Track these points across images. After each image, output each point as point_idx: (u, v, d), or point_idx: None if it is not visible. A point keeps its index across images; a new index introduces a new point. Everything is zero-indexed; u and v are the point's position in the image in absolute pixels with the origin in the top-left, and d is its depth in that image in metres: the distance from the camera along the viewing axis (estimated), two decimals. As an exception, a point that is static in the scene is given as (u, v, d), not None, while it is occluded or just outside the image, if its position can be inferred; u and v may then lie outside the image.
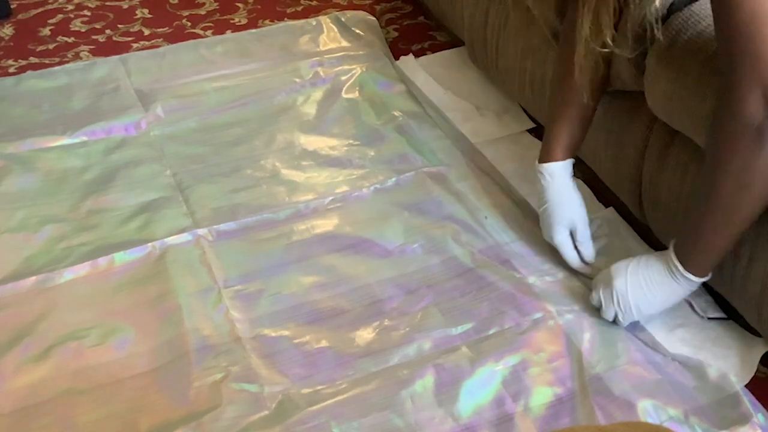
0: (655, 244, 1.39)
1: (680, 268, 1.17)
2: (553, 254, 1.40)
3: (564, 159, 1.36)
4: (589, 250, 1.36)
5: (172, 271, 1.38)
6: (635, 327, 1.26)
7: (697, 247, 1.15)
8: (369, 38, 2.03)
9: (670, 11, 1.20)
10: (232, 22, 2.17)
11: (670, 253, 1.18)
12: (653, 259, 1.21)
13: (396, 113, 1.76)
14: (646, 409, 1.13)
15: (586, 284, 1.33)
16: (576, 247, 1.36)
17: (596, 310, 1.27)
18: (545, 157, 1.37)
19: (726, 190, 1.08)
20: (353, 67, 1.91)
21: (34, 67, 1.98)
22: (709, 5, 1.07)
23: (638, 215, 1.42)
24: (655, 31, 1.14)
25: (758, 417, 1.12)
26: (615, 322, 1.25)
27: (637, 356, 1.21)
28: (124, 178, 1.60)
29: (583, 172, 1.58)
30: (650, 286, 1.20)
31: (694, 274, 1.17)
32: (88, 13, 2.22)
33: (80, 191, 1.57)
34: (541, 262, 1.39)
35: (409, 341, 1.25)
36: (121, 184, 1.59)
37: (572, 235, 1.36)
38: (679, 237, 1.18)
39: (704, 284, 1.31)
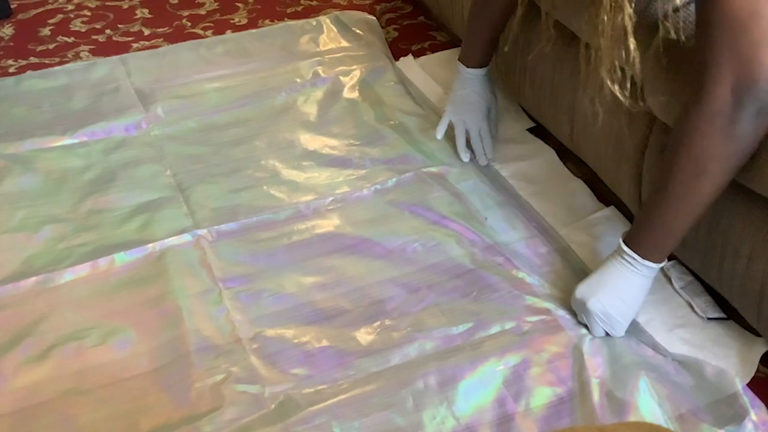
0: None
1: (639, 259, 1.18)
2: (554, 254, 1.40)
3: (481, 67, 1.58)
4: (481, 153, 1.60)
5: (173, 271, 1.38)
6: (635, 328, 1.26)
7: (652, 234, 1.17)
8: (369, 38, 2.03)
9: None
10: (232, 22, 2.17)
11: (621, 250, 1.19)
12: (610, 266, 1.21)
13: (396, 113, 1.76)
14: (646, 409, 1.13)
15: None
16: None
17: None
18: (469, 62, 1.59)
19: (686, 174, 1.09)
20: (353, 67, 1.91)
21: (34, 67, 1.98)
22: None
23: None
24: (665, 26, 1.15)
25: (756, 414, 1.12)
26: (608, 335, 1.25)
27: (637, 356, 1.21)
28: (124, 178, 1.60)
29: (583, 172, 1.58)
30: (620, 293, 1.20)
31: (651, 261, 1.18)
32: (88, 13, 2.21)
33: (80, 191, 1.57)
34: (542, 263, 1.39)
35: (410, 341, 1.25)
36: (121, 184, 1.58)
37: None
38: (632, 229, 1.20)
39: (704, 284, 1.32)
